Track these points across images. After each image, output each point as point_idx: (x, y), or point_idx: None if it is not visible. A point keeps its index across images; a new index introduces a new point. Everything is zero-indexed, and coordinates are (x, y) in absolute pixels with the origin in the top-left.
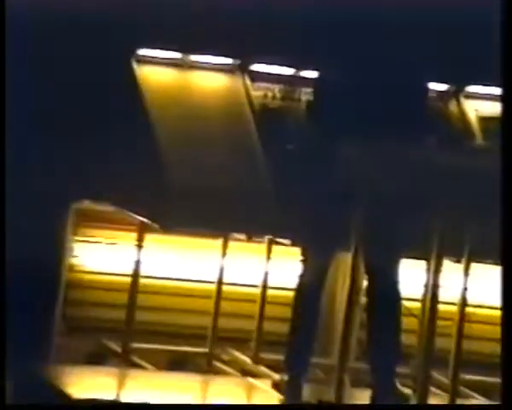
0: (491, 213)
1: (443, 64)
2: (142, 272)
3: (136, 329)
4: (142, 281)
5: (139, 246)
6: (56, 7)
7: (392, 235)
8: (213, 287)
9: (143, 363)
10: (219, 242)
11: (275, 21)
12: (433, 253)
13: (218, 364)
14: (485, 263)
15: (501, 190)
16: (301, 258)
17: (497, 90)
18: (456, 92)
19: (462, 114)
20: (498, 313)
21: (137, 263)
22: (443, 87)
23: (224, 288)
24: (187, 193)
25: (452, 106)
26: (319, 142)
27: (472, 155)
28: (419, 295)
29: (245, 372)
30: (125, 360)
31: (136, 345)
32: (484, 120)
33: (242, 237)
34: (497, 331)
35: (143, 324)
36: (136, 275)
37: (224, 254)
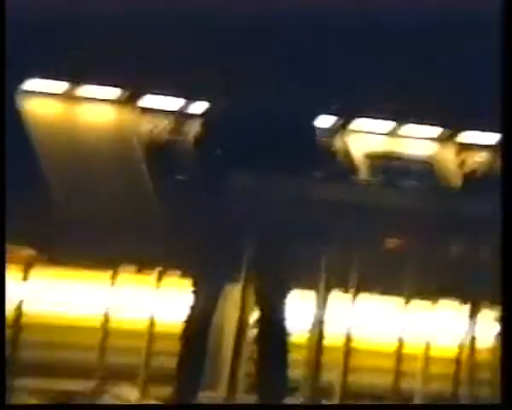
0: (377, 245)
1: (332, 100)
2: (26, 305)
3: (18, 365)
4: (24, 315)
5: (24, 278)
6: None
7: (282, 266)
8: (101, 320)
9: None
10: (108, 274)
11: (165, 55)
12: (321, 284)
13: (106, 399)
14: (373, 293)
15: (501, 190)
16: (192, 289)
17: (385, 125)
18: (344, 127)
19: (348, 149)
20: (385, 343)
21: (22, 296)
22: (332, 122)
23: (112, 321)
24: (76, 224)
25: (339, 141)
26: (208, 173)
27: (357, 188)
28: (307, 328)
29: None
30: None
31: (17, 382)
32: (369, 156)
33: (132, 268)
34: (382, 363)
35: (26, 359)
36: (19, 309)
37: (112, 285)
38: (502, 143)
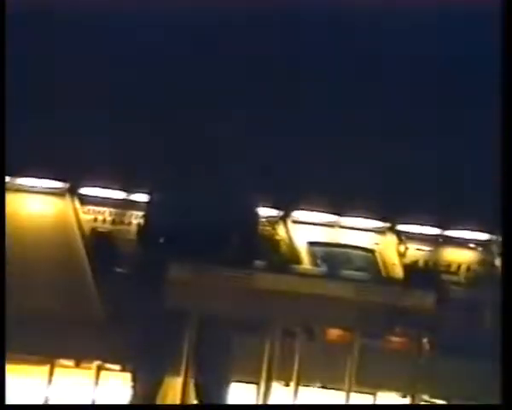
0: (319, 335)
1: (275, 192)
2: None
3: None
4: None
5: None
6: None
7: (223, 357)
8: None
9: None
10: (47, 368)
11: (106, 146)
12: (263, 375)
13: None
14: (314, 385)
15: (501, 190)
16: (131, 382)
17: (327, 217)
18: (285, 218)
19: (290, 239)
20: None
21: None
22: (273, 213)
23: None
24: (12, 317)
25: (281, 231)
26: (149, 263)
27: (300, 278)
28: None
29: None
30: None
31: None
32: (311, 245)
33: (71, 362)
34: None
35: None
36: None
37: (50, 380)
38: (502, 139)
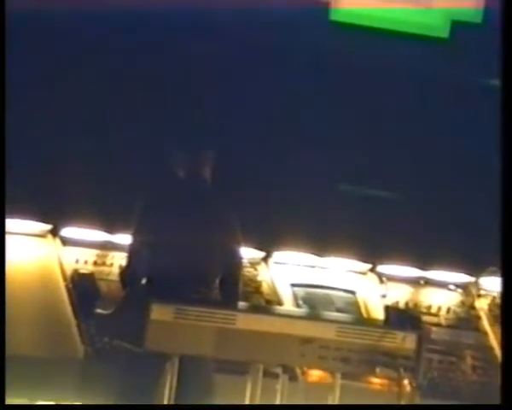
0: (302, 376)
1: (256, 233)
2: None
3: None
4: None
5: None
6: None
7: (204, 398)
8: None
9: None
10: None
11: (87, 188)
12: None
13: None
14: None
15: (501, 190)
16: None
17: (308, 259)
18: (267, 259)
19: (272, 280)
20: None
21: None
22: (255, 254)
23: None
24: None
25: (263, 272)
26: (132, 305)
27: (282, 319)
28: None
29: None
30: None
31: None
32: (293, 287)
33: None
34: None
35: None
36: None
37: None
38: (502, 139)
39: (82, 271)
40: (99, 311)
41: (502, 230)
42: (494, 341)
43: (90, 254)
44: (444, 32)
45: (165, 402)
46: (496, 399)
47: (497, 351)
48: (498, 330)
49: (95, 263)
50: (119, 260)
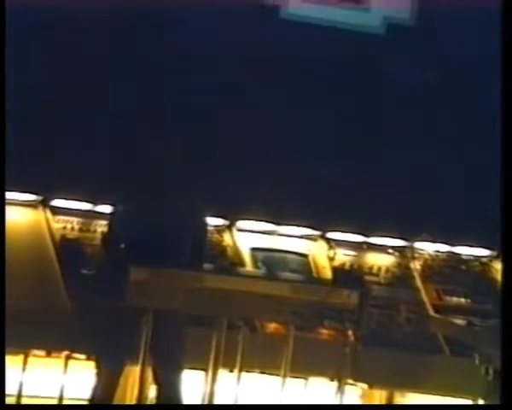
0: (259, 328)
1: (221, 203)
2: None
3: None
4: None
5: None
6: None
7: (175, 348)
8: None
9: None
10: (20, 358)
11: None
12: (210, 363)
13: None
14: (254, 372)
15: (501, 190)
16: (94, 371)
17: (267, 226)
18: (231, 227)
19: (235, 244)
20: None
21: None
22: (220, 222)
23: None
24: None
25: (227, 238)
26: (112, 267)
27: (243, 279)
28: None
29: None
30: None
31: None
32: (253, 251)
33: (42, 353)
34: None
35: None
36: None
37: (24, 369)
38: (502, 142)
39: (69, 236)
40: (84, 271)
41: (502, 229)
42: (425, 296)
43: (76, 222)
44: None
45: (142, 353)
46: (426, 347)
47: (428, 305)
48: (429, 286)
49: (80, 230)
50: (101, 227)
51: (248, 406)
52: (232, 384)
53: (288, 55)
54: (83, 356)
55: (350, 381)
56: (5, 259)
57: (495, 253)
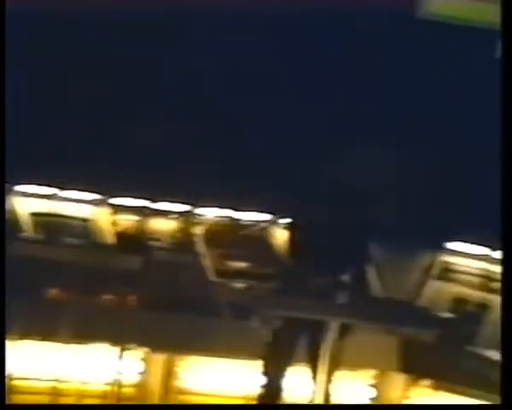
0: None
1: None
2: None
3: None
4: None
5: None
6: None
7: None
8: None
9: None
10: None
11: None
12: None
13: None
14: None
15: (501, 189)
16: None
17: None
18: (9, 191)
19: (14, 209)
20: None
21: None
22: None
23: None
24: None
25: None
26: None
27: (23, 244)
28: None
29: None
30: None
31: None
32: (33, 216)
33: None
34: None
35: None
36: None
37: None
38: (502, 144)
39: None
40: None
41: (501, 231)
42: (209, 261)
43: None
44: None
45: None
46: (208, 311)
47: (211, 269)
48: (213, 251)
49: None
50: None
51: (248, 406)
52: None
53: None
54: None
55: (132, 345)
56: (5, 259)
57: (274, 218)
